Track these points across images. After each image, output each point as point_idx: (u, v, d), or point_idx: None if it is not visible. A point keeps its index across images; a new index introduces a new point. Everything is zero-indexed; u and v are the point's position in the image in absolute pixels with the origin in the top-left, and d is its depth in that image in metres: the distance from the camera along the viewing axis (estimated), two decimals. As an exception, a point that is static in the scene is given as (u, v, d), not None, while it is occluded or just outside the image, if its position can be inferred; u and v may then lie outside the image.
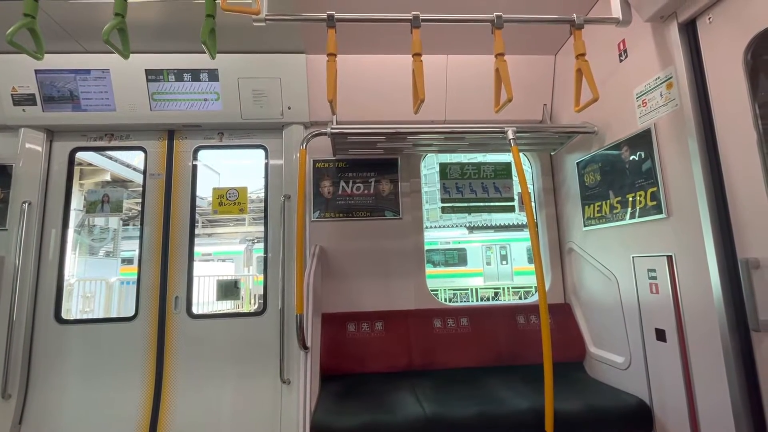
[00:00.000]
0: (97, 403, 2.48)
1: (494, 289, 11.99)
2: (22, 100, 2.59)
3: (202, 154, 2.91)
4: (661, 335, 1.90)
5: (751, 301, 1.46)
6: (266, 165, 2.88)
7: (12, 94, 2.58)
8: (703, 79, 1.68)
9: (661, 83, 1.87)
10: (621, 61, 2.13)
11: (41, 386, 2.49)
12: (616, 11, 1.91)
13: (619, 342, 2.20)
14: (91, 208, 2.86)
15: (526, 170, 2.72)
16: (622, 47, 2.12)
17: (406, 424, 1.85)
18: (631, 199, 2.06)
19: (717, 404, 1.63)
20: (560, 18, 1.83)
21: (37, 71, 2.55)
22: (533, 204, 2.93)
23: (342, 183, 2.80)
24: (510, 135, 2.19)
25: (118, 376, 2.53)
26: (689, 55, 1.72)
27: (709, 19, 1.64)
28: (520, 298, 11.29)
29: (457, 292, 12.02)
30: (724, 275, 1.58)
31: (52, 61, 2.52)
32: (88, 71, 2.58)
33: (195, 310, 2.68)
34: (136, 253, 2.75)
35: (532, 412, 1.88)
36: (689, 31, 1.73)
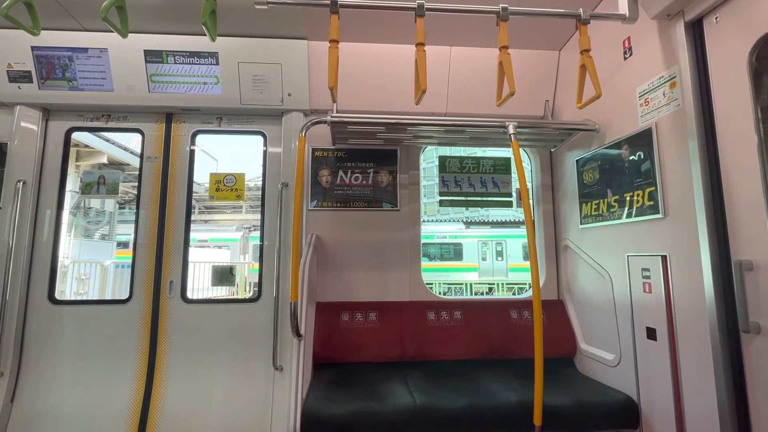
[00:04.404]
0: (89, 384, 2.48)
1: (488, 284, 12.06)
2: (18, 77, 2.55)
3: (200, 139, 2.89)
4: (651, 334, 1.92)
5: (742, 303, 1.47)
6: (264, 152, 2.85)
7: (7, 71, 2.53)
8: (707, 79, 1.67)
9: (664, 82, 1.86)
10: (625, 58, 2.12)
11: (34, 365, 2.49)
12: (623, 7, 1.89)
13: (609, 339, 2.22)
14: (86, 189, 2.83)
15: (526, 166, 2.72)
16: (626, 45, 2.10)
17: (396, 414, 1.87)
18: (628, 198, 2.06)
19: (704, 403, 1.65)
20: (566, 12, 1.81)
21: (33, 48, 2.50)
22: (531, 200, 2.93)
23: (340, 172, 2.78)
24: (511, 130, 2.18)
25: (110, 358, 2.53)
26: (694, 55, 1.71)
27: (716, 18, 1.63)
28: (513, 294, 11.37)
29: (452, 286, 12.09)
30: (717, 276, 1.59)
31: (48, 37, 2.47)
32: (85, 50, 2.54)
33: (189, 295, 2.68)
34: (132, 236, 2.74)
35: (521, 406, 1.91)
36: (695, 30, 1.72)
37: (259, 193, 2.82)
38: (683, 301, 1.76)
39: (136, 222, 2.70)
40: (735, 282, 1.50)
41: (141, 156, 2.78)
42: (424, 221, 3.02)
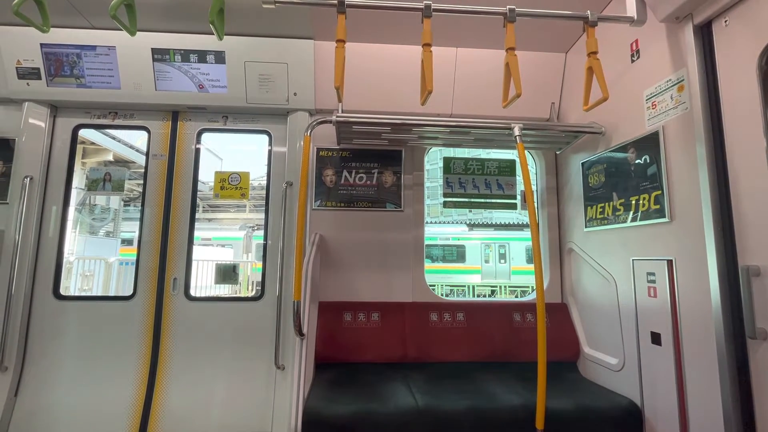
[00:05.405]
0: (92, 379, 2.50)
1: (491, 287, 12.03)
2: (27, 74, 2.57)
3: (205, 137, 2.90)
4: (656, 339, 1.90)
5: (749, 309, 1.46)
6: (269, 151, 2.86)
7: (17, 67, 2.55)
8: (715, 83, 1.65)
9: (672, 86, 1.85)
10: (633, 61, 2.11)
11: (38, 360, 2.51)
12: (631, 10, 1.88)
13: (613, 344, 2.21)
14: (92, 185, 2.85)
15: (530, 168, 2.71)
16: (634, 47, 2.09)
17: (397, 415, 1.86)
18: (634, 201, 2.05)
19: (708, 409, 1.64)
20: (574, 14, 1.81)
21: (42, 45, 2.53)
22: (535, 203, 2.91)
23: (345, 172, 2.78)
24: (516, 132, 2.17)
25: (114, 354, 2.55)
26: (702, 58, 1.70)
27: (726, 22, 1.62)
28: (516, 297, 11.33)
29: (455, 288, 12.07)
30: (724, 281, 1.58)
31: (57, 35, 2.50)
32: (93, 47, 2.56)
33: (193, 292, 2.69)
34: (136, 234, 2.75)
35: (523, 409, 1.90)
36: (704, 34, 1.71)
37: (264, 192, 2.83)
38: (689, 306, 1.75)
39: (141, 219, 2.72)
40: (742, 287, 1.48)
41: (147, 154, 2.79)
42: (427, 223, 3.01)
